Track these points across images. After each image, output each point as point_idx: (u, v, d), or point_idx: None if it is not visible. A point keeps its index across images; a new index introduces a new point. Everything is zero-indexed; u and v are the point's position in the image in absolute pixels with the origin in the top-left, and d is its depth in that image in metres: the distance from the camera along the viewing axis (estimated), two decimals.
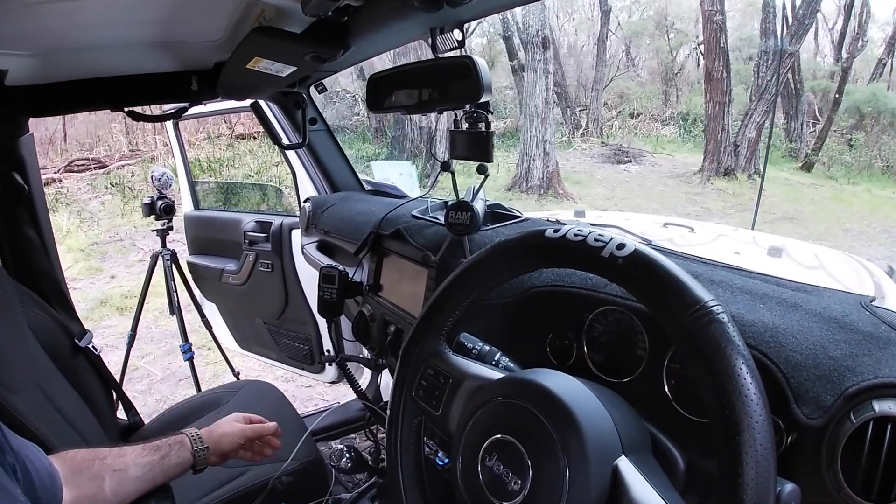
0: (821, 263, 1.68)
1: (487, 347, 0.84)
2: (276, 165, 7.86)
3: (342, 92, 10.06)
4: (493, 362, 0.82)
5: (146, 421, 1.65)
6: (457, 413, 0.74)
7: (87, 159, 8.25)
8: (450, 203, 1.11)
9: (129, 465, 0.92)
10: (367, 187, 2.05)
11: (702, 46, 13.67)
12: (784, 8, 8.88)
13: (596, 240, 0.63)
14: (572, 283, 0.94)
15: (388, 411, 0.83)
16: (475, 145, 1.05)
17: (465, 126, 1.07)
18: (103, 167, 8.05)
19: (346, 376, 1.44)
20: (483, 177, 1.03)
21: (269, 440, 1.10)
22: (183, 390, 2.61)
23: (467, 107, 1.06)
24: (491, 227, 1.22)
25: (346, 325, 2.19)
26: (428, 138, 8.83)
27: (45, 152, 8.08)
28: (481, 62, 0.96)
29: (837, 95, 9.94)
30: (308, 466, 1.34)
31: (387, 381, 2.15)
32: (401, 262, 1.30)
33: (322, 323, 2.25)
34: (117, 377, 2.59)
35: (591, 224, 1.21)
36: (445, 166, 1.13)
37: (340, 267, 1.37)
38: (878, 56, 11.77)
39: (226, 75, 1.33)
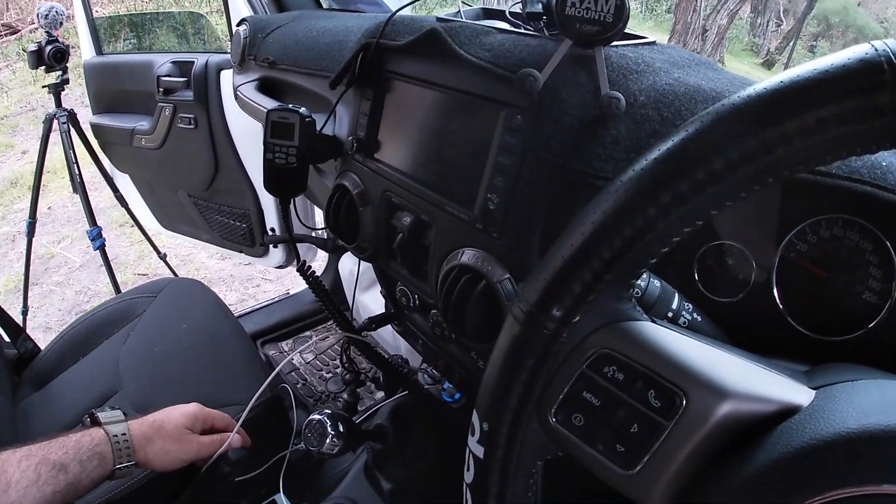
0: None
1: (658, 283, 0.43)
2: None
3: None
4: (670, 316, 0.43)
5: (42, 345, 1.26)
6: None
7: None
8: None
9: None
10: (328, 5, 1.45)
11: None
12: None
13: None
14: None
15: (473, 469, 0.40)
16: None
17: None
18: (15, 32, 6.97)
19: (319, 296, 0.84)
20: None
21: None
22: (105, 277, 2.23)
23: None
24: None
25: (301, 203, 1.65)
26: None
27: None
28: None
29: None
30: (264, 410, 0.94)
31: (350, 266, 1.69)
32: (428, 97, 0.69)
33: (266, 195, 1.75)
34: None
35: None
36: None
37: (301, 109, 0.78)
38: None
39: None
